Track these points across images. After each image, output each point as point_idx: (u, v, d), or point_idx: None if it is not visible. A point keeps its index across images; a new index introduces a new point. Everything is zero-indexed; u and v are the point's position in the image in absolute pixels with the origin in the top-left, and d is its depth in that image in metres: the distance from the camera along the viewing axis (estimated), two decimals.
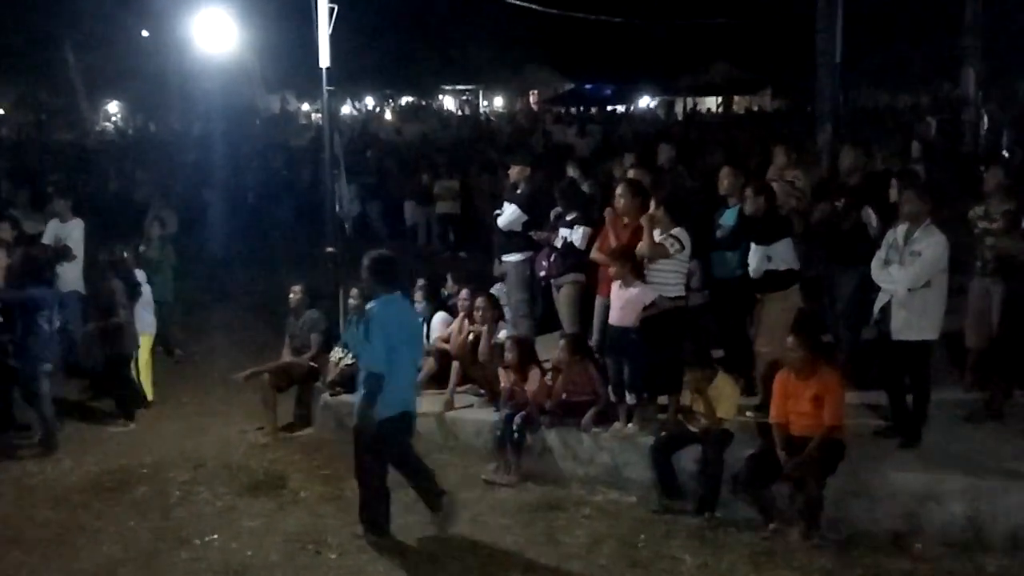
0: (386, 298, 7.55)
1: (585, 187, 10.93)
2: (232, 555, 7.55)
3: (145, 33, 48.28)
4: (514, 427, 8.83)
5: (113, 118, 53.07)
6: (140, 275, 11.46)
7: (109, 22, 46.01)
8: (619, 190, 9.28)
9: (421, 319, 9.97)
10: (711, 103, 51.22)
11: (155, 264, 12.55)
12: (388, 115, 51.56)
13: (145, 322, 11.41)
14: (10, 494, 8.29)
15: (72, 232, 12.64)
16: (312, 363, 10.64)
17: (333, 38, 11.19)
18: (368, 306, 7.60)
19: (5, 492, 8.08)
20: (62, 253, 12.25)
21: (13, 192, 22.51)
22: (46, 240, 12.45)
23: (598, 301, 9.37)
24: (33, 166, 26.22)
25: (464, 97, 60.03)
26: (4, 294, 10.12)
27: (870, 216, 8.95)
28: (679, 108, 49.00)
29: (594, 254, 9.39)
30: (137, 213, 17.15)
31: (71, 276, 12.32)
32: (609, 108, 48.29)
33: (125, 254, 11.34)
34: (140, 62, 47.74)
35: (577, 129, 31.52)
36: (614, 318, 8.72)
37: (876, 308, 8.23)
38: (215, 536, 7.87)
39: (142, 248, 12.58)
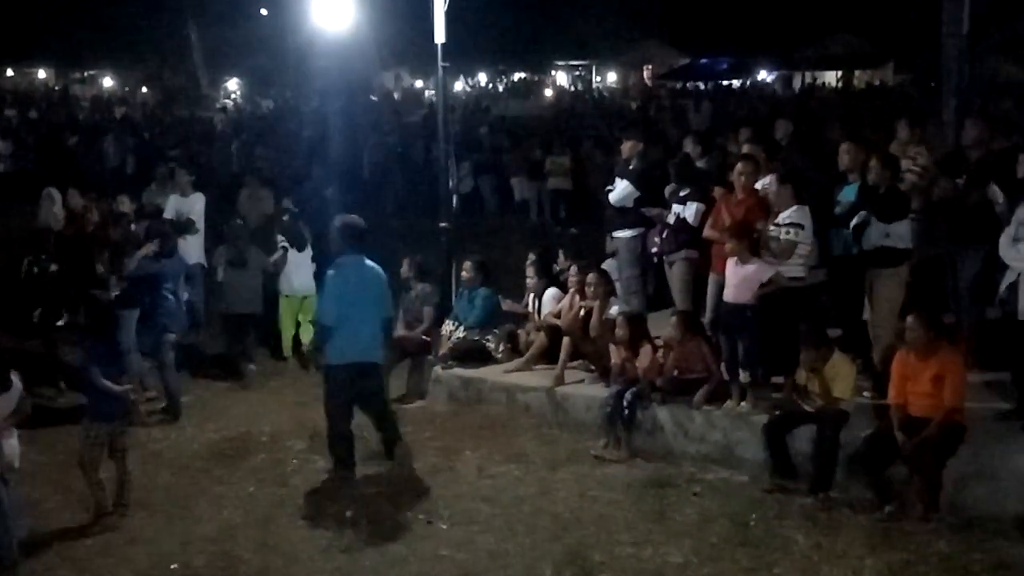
0: (344, 259, 8.37)
1: (700, 163, 10.79)
2: (346, 523, 7.70)
3: (264, 12, 49.29)
4: (625, 403, 8.81)
5: (232, 95, 54.31)
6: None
7: (230, 2, 47.11)
8: (739, 166, 9.16)
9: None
10: (830, 78, 49.99)
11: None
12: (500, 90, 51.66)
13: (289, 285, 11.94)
14: (136, 459, 8.54)
15: (194, 206, 13.03)
16: (425, 336, 10.76)
17: (448, 15, 11.26)
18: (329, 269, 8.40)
19: (133, 457, 8.34)
20: (184, 226, 12.63)
21: (137, 168, 23.34)
22: (168, 214, 12.82)
23: (712, 278, 9.28)
24: (157, 143, 27.05)
25: (577, 72, 59.80)
26: (128, 266, 10.47)
27: (996, 193, 8.67)
28: (797, 83, 47.98)
29: (707, 231, 9.29)
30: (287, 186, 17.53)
31: (193, 249, 12.70)
32: (725, 83, 47.55)
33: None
34: (259, 40, 48.81)
35: (692, 104, 31.15)
36: (729, 295, 8.62)
37: (1003, 287, 7.98)
38: (330, 504, 8.04)
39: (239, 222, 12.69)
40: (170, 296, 10.28)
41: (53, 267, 11.45)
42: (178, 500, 8.21)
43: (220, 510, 8.00)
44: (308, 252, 12.06)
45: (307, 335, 11.66)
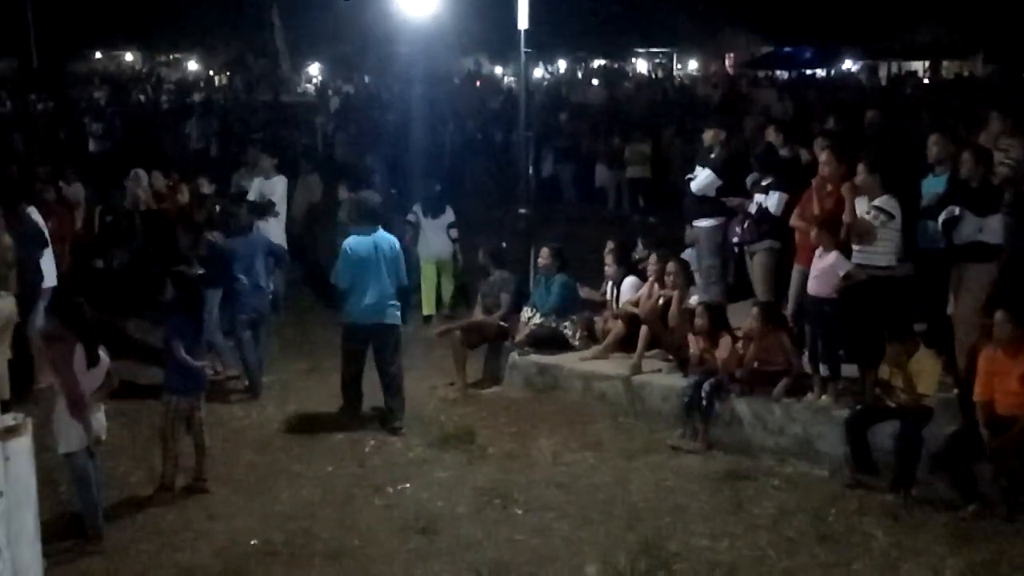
0: (358, 231, 9.55)
1: (783, 152, 10.65)
2: (423, 504, 7.78)
3: None
4: (703, 394, 8.75)
5: (314, 80, 54.86)
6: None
7: None
8: (823, 156, 9.03)
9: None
10: (917, 67, 48.94)
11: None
12: (580, 77, 51.48)
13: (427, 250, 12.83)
14: (217, 436, 8.72)
15: (276, 188, 13.18)
16: (502, 322, 10.78)
17: (530, 1, 11.23)
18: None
19: (214, 434, 8.51)
20: (265, 208, 12.81)
21: (220, 150, 23.71)
22: (251, 196, 13.01)
23: (795, 269, 9.17)
24: (239, 126, 27.44)
25: (657, 60, 59.33)
26: (203, 246, 10.66)
27: None
28: (883, 72, 47.03)
29: (794, 220, 9.18)
30: (337, 171, 17.75)
31: (274, 231, 12.87)
32: (809, 72, 46.79)
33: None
34: (341, 25, 49.22)
35: (776, 93, 30.73)
36: (811, 287, 8.51)
37: None
38: (407, 485, 8.12)
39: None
40: (242, 276, 10.37)
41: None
42: (258, 478, 8.34)
43: (299, 488, 8.11)
44: (445, 219, 12.91)
45: (447, 294, 13.02)
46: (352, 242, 9.48)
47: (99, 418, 7.23)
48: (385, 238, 9.56)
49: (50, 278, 10.63)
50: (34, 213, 10.78)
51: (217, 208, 11.80)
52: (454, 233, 13.01)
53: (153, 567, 6.96)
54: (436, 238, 12.92)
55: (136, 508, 7.72)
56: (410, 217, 12.93)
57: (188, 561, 7.02)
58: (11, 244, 9.79)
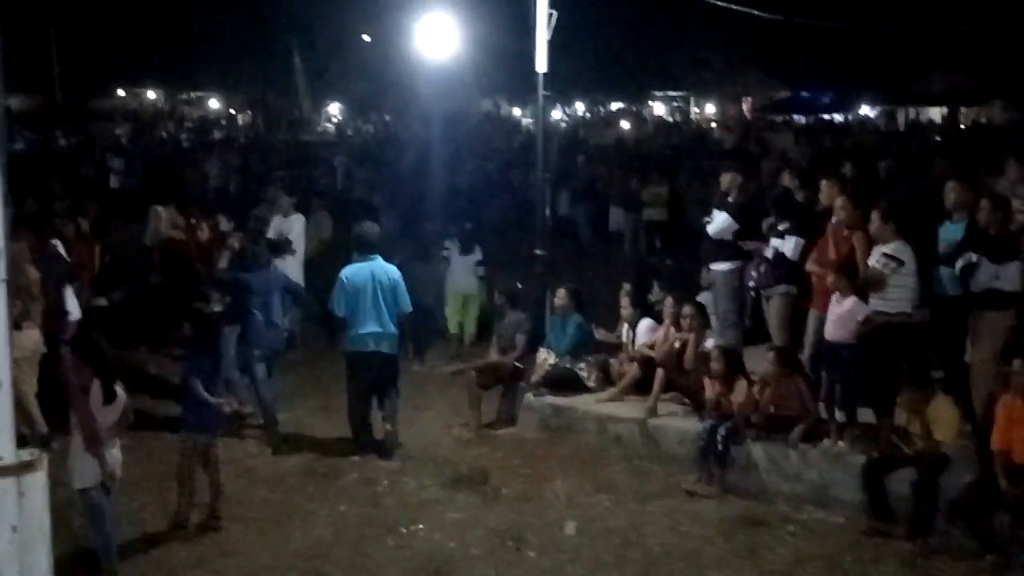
0: (357, 261, 9.88)
1: (800, 197, 10.66)
2: (436, 545, 7.75)
3: (367, 38, 50.16)
4: (718, 438, 8.71)
5: (333, 119, 55.28)
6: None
7: (334, 27, 48.08)
8: (838, 201, 9.04)
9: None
10: (935, 114, 48.99)
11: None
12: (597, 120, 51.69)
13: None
14: (231, 473, 8.72)
15: (294, 227, 13.27)
16: (517, 363, 10.78)
17: (549, 44, 11.33)
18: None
19: (228, 471, 8.51)
20: (284, 247, 12.87)
21: (239, 188, 23.87)
22: (270, 234, 13.08)
23: (812, 314, 9.16)
24: (259, 165, 27.65)
25: (675, 103, 59.56)
26: (217, 278, 10.74)
27: None
28: (901, 119, 47.11)
29: (810, 265, 9.18)
30: (355, 210, 17.84)
31: (292, 269, 12.94)
32: (826, 116, 46.87)
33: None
34: (361, 66, 49.67)
35: (792, 137, 30.80)
36: (828, 332, 8.50)
37: None
38: (420, 526, 8.10)
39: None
40: (256, 312, 10.33)
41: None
42: (272, 515, 8.33)
43: (312, 527, 8.09)
44: (474, 257, 13.60)
45: (469, 328, 13.62)
46: (348, 271, 9.82)
47: (114, 454, 7.24)
48: (382, 267, 9.85)
49: (75, 312, 10.77)
50: (58, 246, 10.89)
51: (236, 245, 11.85)
52: (480, 271, 13.63)
53: None
54: (464, 273, 13.52)
55: (149, 544, 7.73)
56: (444, 253, 13.58)
57: None
58: (37, 277, 9.89)
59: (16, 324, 8.66)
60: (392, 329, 9.78)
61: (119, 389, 7.28)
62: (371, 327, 9.65)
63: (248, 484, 8.96)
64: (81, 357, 7.28)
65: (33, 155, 29.31)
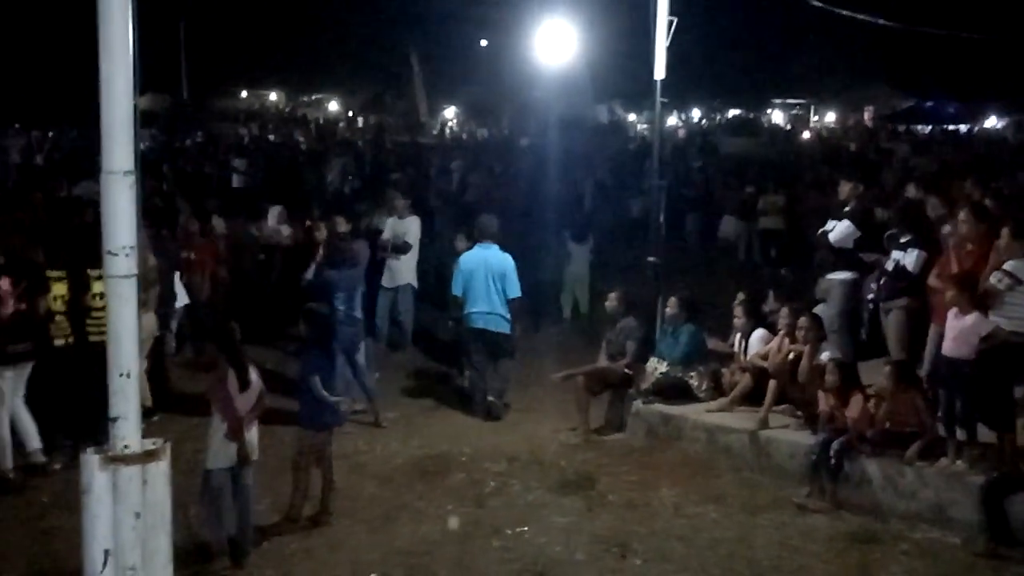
0: (474, 248, 11.15)
1: (925, 209, 10.40)
2: (540, 549, 7.75)
3: (484, 42, 50.61)
4: (831, 453, 8.53)
5: (449, 123, 55.86)
6: None
7: (451, 32, 48.66)
8: (962, 215, 8.79)
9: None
10: None
11: None
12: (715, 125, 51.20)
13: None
14: (342, 469, 8.85)
15: (410, 228, 13.45)
16: (627, 370, 10.73)
17: (667, 50, 11.25)
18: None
19: (338, 466, 8.64)
20: (401, 248, 13.08)
21: (356, 190, 24.27)
22: (385, 236, 13.31)
23: (932, 329, 8.92)
24: (375, 167, 28.06)
25: (794, 111, 58.66)
26: (308, 276, 11.25)
27: None
28: None
29: (932, 279, 8.93)
30: (468, 214, 18.05)
31: (406, 269, 13.15)
32: (951, 127, 45.60)
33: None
34: (477, 70, 50.13)
35: (916, 148, 30.06)
36: (948, 348, 8.24)
37: None
38: (525, 528, 8.10)
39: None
40: (340, 308, 10.51)
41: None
42: (380, 511, 8.43)
43: (419, 525, 8.17)
44: (587, 245, 15.57)
45: (583, 307, 15.41)
46: (464, 257, 11.16)
47: (251, 439, 7.47)
48: (496, 255, 10.97)
49: (182, 298, 11.87)
50: (168, 239, 11.79)
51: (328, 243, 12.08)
52: (590, 258, 15.62)
53: None
54: (579, 260, 15.43)
55: (261, 535, 7.85)
56: (570, 247, 15.38)
57: None
58: (155, 264, 10.45)
59: None
60: (500, 310, 10.83)
61: (254, 377, 7.53)
62: (480, 307, 10.80)
63: (358, 480, 9.09)
64: (218, 347, 7.53)
65: (159, 154, 30.23)
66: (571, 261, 15.37)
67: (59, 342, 9.21)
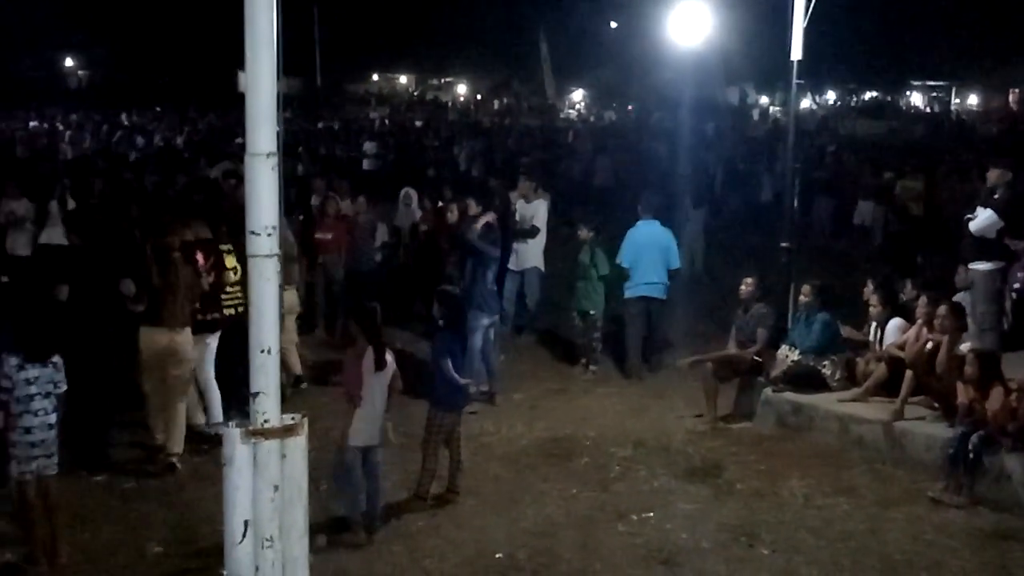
0: (639, 223, 11.93)
1: None
2: (666, 535, 7.71)
3: (613, 24, 50.31)
4: (970, 446, 8.25)
5: (577, 105, 55.75)
6: None
7: (581, 14, 48.52)
8: None
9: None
10: None
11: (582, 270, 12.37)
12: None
13: None
14: (469, 449, 8.92)
15: (537, 211, 13.46)
16: (756, 357, 10.56)
17: (804, 31, 10.99)
18: None
19: (466, 447, 8.71)
20: (527, 231, 13.11)
21: (484, 172, 24.47)
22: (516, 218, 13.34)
23: None
24: (503, 150, 28.19)
25: (933, 94, 56.77)
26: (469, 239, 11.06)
27: None
28: None
29: None
30: (597, 197, 18.05)
31: (533, 252, 13.16)
32: None
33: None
34: (606, 52, 49.88)
35: None
36: None
37: None
38: (651, 514, 8.07)
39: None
40: (490, 283, 10.77)
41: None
42: (505, 492, 8.51)
43: (543, 507, 8.21)
44: (703, 211, 17.13)
45: (698, 266, 16.68)
46: (634, 229, 11.93)
47: (387, 418, 7.67)
48: (661, 230, 11.94)
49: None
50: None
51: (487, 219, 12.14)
52: (706, 220, 17.32)
53: (402, 570, 7.22)
54: (696, 221, 16.85)
55: (389, 511, 8.02)
56: (688, 213, 16.37)
57: (436, 568, 7.25)
58: (295, 242, 11.28)
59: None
60: (664, 279, 11.80)
61: (389, 357, 7.70)
62: (650, 277, 11.70)
63: (484, 460, 9.17)
64: (359, 325, 7.69)
65: (296, 137, 30.90)
66: (689, 223, 16.40)
67: (231, 312, 9.63)
